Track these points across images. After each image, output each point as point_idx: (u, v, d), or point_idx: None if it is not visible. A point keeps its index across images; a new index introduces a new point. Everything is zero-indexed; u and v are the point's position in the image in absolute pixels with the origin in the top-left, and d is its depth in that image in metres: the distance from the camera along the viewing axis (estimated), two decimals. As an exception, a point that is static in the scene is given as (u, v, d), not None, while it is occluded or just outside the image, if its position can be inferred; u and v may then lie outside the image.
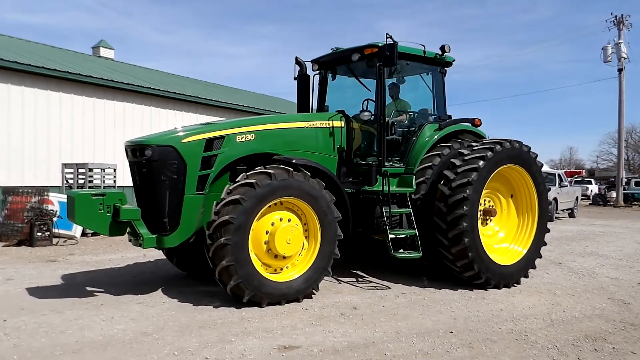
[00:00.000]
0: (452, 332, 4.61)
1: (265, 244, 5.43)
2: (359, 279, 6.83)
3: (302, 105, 7.59)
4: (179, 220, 5.45)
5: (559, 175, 18.78)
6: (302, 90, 7.53)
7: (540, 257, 7.09)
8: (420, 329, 4.70)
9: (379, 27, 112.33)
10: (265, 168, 5.41)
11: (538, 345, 4.28)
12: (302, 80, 7.50)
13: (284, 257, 5.53)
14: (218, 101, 16.85)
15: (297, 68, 7.45)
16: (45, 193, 10.30)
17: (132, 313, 5.03)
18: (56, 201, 10.38)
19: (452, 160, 6.44)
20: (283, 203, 5.55)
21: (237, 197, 5.10)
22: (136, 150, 5.55)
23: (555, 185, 17.66)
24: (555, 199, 17.07)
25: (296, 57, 7.36)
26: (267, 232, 5.44)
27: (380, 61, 6.33)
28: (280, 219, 5.54)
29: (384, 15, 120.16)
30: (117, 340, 4.22)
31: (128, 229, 5.50)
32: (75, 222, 5.60)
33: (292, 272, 5.61)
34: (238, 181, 5.33)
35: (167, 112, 15.26)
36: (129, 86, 14.01)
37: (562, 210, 18.50)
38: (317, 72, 7.51)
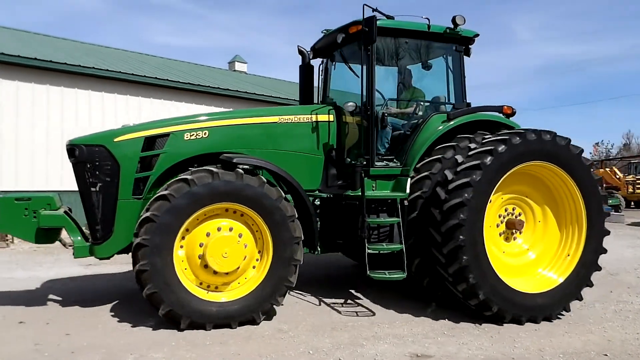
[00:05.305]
0: (606, 355, 4.13)
1: (199, 258, 4.64)
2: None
3: (305, 97, 6.63)
4: (112, 229, 4.87)
5: None
6: (305, 81, 6.62)
7: (592, 284, 5.43)
8: (568, 348, 4.28)
9: (512, 21, 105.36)
10: (191, 173, 4.59)
11: None
12: (305, 70, 6.60)
13: (227, 273, 4.70)
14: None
15: (301, 58, 6.61)
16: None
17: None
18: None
19: (456, 157, 5.19)
20: (228, 210, 4.72)
21: (148, 214, 4.41)
22: (69, 151, 5.00)
23: None
24: None
25: (298, 46, 6.52)
26: (201, 245, 4.63)
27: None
28: (219, 229, 4.67)
29: (520, 7, 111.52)
30: (257, 334, 4.52)
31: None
32: None
33: (236, 291, 4.76)
34: (157, 192, 4.63)
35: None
36: (260, 96, 15.36)
37: None
38: (319, 60, 6.64)
